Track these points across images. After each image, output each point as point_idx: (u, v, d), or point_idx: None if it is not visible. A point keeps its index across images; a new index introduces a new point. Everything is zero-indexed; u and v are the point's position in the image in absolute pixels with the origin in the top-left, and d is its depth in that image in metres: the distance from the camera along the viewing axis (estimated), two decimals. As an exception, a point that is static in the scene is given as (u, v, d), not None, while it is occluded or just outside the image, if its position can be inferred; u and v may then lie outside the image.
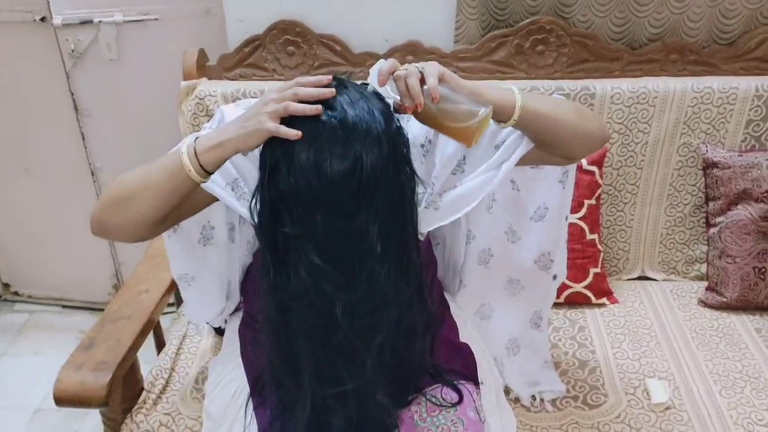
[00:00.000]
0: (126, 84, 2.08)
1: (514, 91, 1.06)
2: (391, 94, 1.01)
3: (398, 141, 1.01)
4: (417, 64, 1.00)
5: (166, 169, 1.02)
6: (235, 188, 1.16)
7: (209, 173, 1.02)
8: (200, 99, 1.72)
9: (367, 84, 1.02)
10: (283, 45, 1.76)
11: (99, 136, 2.18)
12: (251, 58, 1.79)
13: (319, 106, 0.94)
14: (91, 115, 2.14)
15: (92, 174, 2.24)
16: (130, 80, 2.07)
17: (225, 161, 1.02)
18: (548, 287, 1.39)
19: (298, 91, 0.95)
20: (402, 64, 1.02)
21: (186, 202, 1.09)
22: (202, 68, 1.80)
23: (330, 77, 0.97)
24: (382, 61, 1.01)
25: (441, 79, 1.00)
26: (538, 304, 1.41)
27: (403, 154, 1.02)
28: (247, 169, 1.17)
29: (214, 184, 1.13)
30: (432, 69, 1.00)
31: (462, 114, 1.01)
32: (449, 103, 1.01)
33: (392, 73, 1.00)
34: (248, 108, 1.00)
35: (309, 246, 0.98)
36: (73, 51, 2.02)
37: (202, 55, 1.79)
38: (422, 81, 1.00)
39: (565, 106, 1.14)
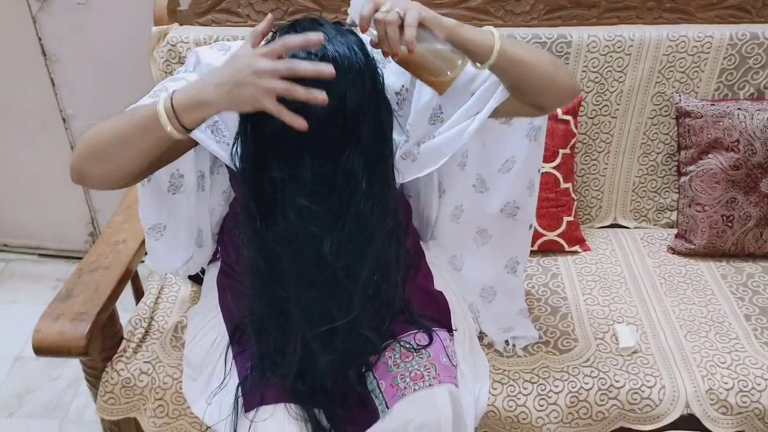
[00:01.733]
0: (95, 29, 2.03)
1: (494, 34, 1.06)
2: (373, 34, 1.00)
3: (376, 75, 1.02)
4: (398, 7, 0.98)
5: (144, 126, 0.97)
6: (215, 132, 1.15)
7: (189, 130, 0.98)
8: (172, 45, 1.68)
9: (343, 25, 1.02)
10: (257, -11, 1.72)
11: (69, 82, 2.13)
12: (224, 2, 1.75)
13: (324, 95, 0.89)
14: (60, 60, 2.09)
15: (64, 121, 2.20)
16: (100, 25, 2.02)
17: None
18: (522, 235, 1.41)
19: (295, 67, 0.89)
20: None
21: (166, 152, 1.06)
22: (173, 13, 1.75)
23: (321, 36, 0.92)
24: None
25: (421, 23, 0.99)
26: (513, 251, 1.44)
27: (381, 88, 1.03)
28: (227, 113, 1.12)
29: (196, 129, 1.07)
30: (411, 15, 0.97)
31: (437, 65, 1.03)
32: (426, 48, 1.01)
33: (373, 14, 0.98)
34: (231, 59, 0.93)
35: (297, 189, 0.99)
36: (39, -6, 1.96)
37: (173, -1, 1.75)
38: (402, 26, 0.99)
39: (541, 55, 1.14)
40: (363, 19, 0.98)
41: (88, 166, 1.04)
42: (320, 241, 1.02)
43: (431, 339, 1.23)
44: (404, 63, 1.04)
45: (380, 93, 1.03)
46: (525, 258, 1.45)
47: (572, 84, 1.17)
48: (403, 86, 1.21)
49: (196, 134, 1.09)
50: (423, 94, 1.19)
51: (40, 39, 2.04)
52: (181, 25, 1.76)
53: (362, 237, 1.05)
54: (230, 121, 1.15)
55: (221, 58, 1.17)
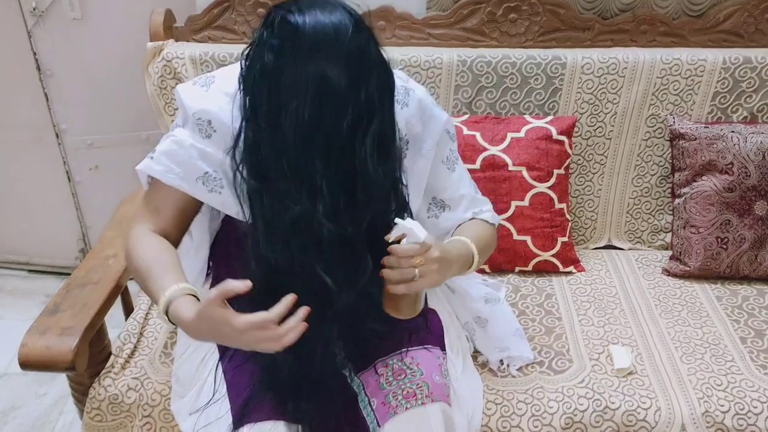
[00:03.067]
0: (90, 44, 2.03)
1: (473, 257, 1.21)
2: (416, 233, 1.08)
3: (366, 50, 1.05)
4: (427, 270, 1.07)
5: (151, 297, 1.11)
6: (206, 182, 1.18)
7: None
8: (167, 61, 1.68)
9: None
10: (253, 7, 1.73)
11: (63, 97, 2.13)
12: (220, 20, 1.75)
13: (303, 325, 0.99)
14: (55, 75, 2.08)
15: (57, 136, 2.19)
16: (95, 40, 2.02)
17: None
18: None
19: (285, 341, 0.98)
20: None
21: (182, 222, 1.22)
22: (169, 29, 1.76)
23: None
24: (420, 233, 1.07)
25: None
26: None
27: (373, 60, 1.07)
28: (217, 161, 1.18)
29: (185, 183, 1.18)
30: (420, 285, 1.08)
31: (403, 306, 1.17)
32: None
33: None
34: (212, 327, 1.00)
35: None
36: (34, 9, 1.96)
37: (170, 15, 1.76)
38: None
39: (489, 254, 1.34)
40: (403, 250, 1.06)
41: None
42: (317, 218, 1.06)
43: (427, 322, 1.26)
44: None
45: (368, 66, 1.05)
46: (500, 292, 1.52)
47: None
48: (405, 136, 1.24)
49: (186, 188, 1.18)
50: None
51: (35, 53, 2.05)
52: (177, 41, 1.76)
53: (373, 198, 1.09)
54: (220, 168, 1.18)
55: (203, 95, 1.19)
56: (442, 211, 1.34)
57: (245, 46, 1.10)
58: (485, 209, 1.36)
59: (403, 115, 1.22)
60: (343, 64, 1.00)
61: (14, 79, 2.10)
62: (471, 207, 1.34)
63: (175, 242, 1.22)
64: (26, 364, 1.24)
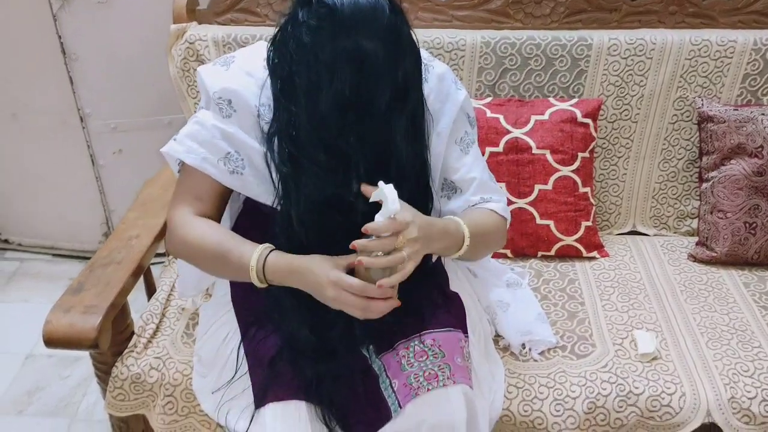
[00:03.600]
0: (115, 27, 2.04)
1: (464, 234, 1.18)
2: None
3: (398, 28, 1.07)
4: (407, 252, 1.05)
5: (235, 272, 1.16)
6: (227, 162, 1.19)
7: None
8: (190, 43, 1.68)
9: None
10: (276, -11, 1.72)
11: (88, 81, 2.14)
12: (243, 2, 1.75)
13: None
14: (80, 59, 2.10)
15: (81, 120, 2.20)
16: (119, 24, 2.03)
17: None
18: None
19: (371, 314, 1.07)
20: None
21: (222, 205, 1.26)
22: (192, 12, 1.76)
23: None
24: (392, 205, 1.02)
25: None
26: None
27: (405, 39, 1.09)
28: (238, 141, 1.18)
29: (207, 164, 1.18)
30: (399, 274, 1.06)
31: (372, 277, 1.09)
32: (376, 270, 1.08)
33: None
34: (314, 284, 1.08)
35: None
36: (60, -7, 1.97)
37: (193, -2, 1.76)
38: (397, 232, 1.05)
39: (492, 246, 1.32)
40: (379, 228, 1.03)
41: (183, 259, 1.28)
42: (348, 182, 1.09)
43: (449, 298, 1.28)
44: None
45: (404, 45, 1.07)
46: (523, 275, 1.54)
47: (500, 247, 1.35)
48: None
49: (209, 169, 1.18)
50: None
51: (60, 37, 2.06)
52: (200, 23, 1.76)
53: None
54: (246, 148, 1.19)
55: (223, 74, 1.19)
56: (453, 193, 1.30)
57: (271, 27, 1.11)
58: (496, 198, 1.30)
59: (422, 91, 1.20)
60: (381, 40, 1.02)
61: (39, 63, 2.12)
62: (480, 191, 1.28)
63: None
64: (50, 342, 1.25)
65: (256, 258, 1.12)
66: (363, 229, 1.04)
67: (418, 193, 1.19)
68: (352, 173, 1.08)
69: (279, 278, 1.12)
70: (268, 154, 1.15)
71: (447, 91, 1.26)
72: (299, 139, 1.10)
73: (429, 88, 1.23)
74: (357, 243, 1.05)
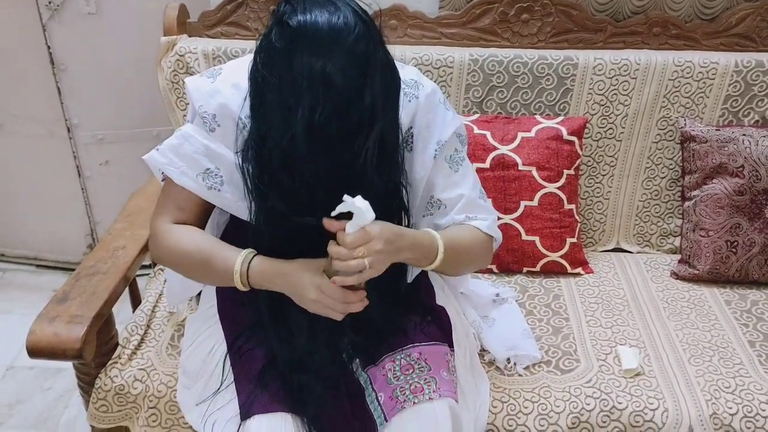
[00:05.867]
0: (104, 39, 2.04)
1: (438, 245, 1.16)
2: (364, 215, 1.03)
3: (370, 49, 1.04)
4: (370, 261, 1.04)
5: (219, 276, 1.16)
6: (206, 178, 1.19)
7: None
8: (180, 56, 1.69)
9: None
10: (266, 4, 1.74)
11: (76, 91, 2.14)
12: (233, 16, 1.76)
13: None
14: (68, 69, 2.10)
15: (68, 130, 2.20)
16: (109, 35, 2.04)
17: None
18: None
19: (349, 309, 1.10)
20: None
21: (205, 215, 1.26)
22: (183, 25, 1.77)
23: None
24: (367, 214, 1.02)
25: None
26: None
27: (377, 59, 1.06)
28: (219, 157, 1.19)
29: (186, 178, 1.19)
30: (364, 276, 1.06)
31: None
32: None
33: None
34: (296, 287, 1.10)
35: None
36: (49, 3, 1.97)
37: (183, 11, 1.77)
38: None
39: (475, 262, 1.29)
40: (349, 242, 1.03)
41: (167, 266, 1.30)
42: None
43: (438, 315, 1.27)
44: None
45: (372, 69, 1.03)
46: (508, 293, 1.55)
47: (485, 264, 1.32)
48: (410, 128, 1.23)
49: (188, 184, 1.19)
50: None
51: (49, 47, 2.06)
52: (190, 36, 1.77)
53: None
54: (224, 164, 1.19)
55: (209, 86, 1.19)
56: (438, 210, 1.27)
57: (257, 43, 1.10)
58: (481, 216, 1.26)
59: (410, 108, 1.21)
60: (345, 64, 0.99)
61: (28, 73, 2.11)
62: (465, 210, 1.25)
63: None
64: (34, 352, 1.24)
65: (240, 261, 1.12)
66: (338, 237, 1.05)
67: (390, 215, 1.15)
68: (315, 199, 1.06)
69: (263, 281, 1.13)
70: (243, 168, 1.13)
71: (435, 110, 1.25)
72: (265, 158, 1.08)
73: (417, 107, 1.22)
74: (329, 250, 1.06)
